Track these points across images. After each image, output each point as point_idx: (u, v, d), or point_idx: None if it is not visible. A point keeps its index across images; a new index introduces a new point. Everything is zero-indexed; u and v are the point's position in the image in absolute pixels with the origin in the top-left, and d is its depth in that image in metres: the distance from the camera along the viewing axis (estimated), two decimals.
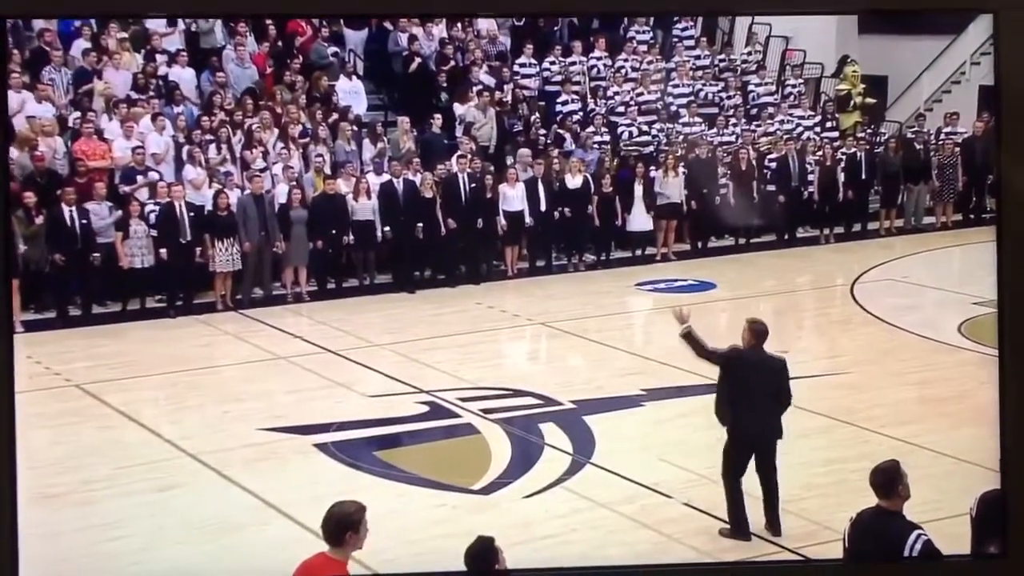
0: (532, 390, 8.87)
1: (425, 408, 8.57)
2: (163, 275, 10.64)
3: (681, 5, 6.45)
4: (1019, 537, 5.00)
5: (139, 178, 10.94)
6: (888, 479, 5.00)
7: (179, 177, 11.04)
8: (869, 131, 13.78)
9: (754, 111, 13.55)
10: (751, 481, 6.62)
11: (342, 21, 12.33)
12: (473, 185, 11.75)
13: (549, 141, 12.63)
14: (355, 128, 12.03)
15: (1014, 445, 5.04)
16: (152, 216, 10.68)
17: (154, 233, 10.61)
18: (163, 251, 10.54)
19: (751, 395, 6.48)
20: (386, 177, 11.59)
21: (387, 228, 11.37)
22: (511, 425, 8.24)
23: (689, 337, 6.52)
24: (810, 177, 12.96)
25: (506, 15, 11.96)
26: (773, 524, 6.63)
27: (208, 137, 11.38)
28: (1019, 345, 5.04)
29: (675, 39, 13.85)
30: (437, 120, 12.22)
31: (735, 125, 13.23)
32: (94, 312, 10.51)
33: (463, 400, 8.68)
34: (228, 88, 11.98)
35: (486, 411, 8.48)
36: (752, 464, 6.58)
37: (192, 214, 10.68)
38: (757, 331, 6.52)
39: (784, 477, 6.65)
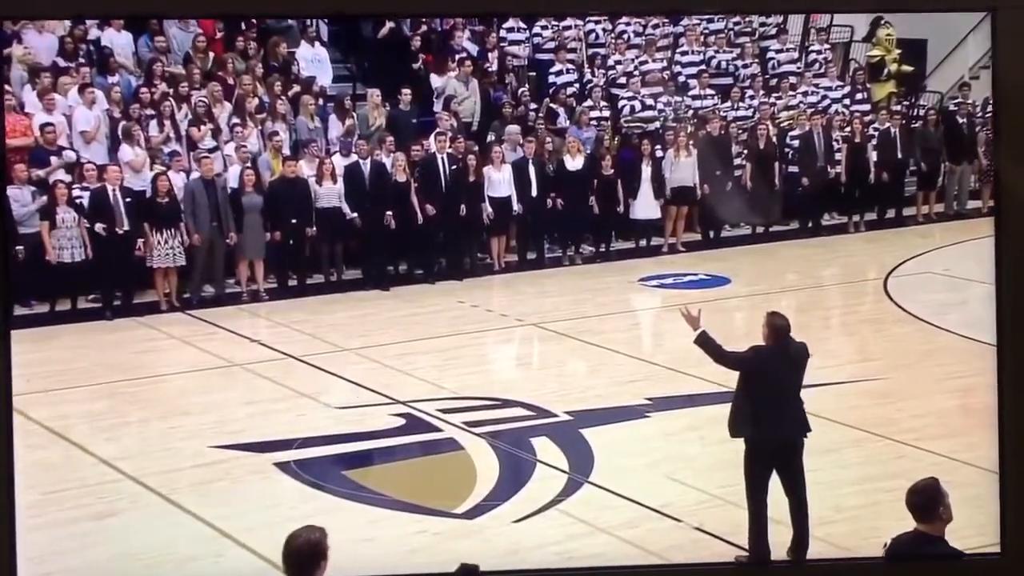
0: (522, 400, 8.89)
1: (401, 421, 8.56)
2: (97, 271, 10.58)
3: (690, 3, 6.80)
4: (1016, 535, 5.35)
5: (53, 159, 10.84)
6: (927, 500, 5.01)
7: (114, 158, 10.98)
8: (906, 103, 13.82)
9: (774, 81, 13.58)
10: (778, 507, 6.63)
11: None
12: (454, 167, 11.74)
13: (540, 117, 12.63)
14: (319, 102, 12.00)
15: (1012, 443, 5.50)
16: (82, 202, 10.62)
17: (86, 223, 10.55)
18: (100, 233, 10.41)
19: (779, 394, 6.50)
20: (353, 158, 11.57)
21: (355, 215, 11.34)
22: (499, 440, 8.24)
23: (705, 341, 6.53)
24: (838, 156, 13.00)
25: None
26: (799, 549, 6.64)
27: (148, 112, 11.33)
28: (1019, 344, 5.52)
29: None
30: (407, 94, 12.13)
31: (752, 98, 13.26)
32: (17, 313, 10.43)
33: (444, 412, 8.68)
34: (171, 55, 11.92)
35: (470, 424, 8.48)
36: (777, 480, 6.58)
37: (129, 200, 10.61)
38: (777, 327, 6.52)
39: (809, 498, 6.64)
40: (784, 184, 12.85)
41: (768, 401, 6.48)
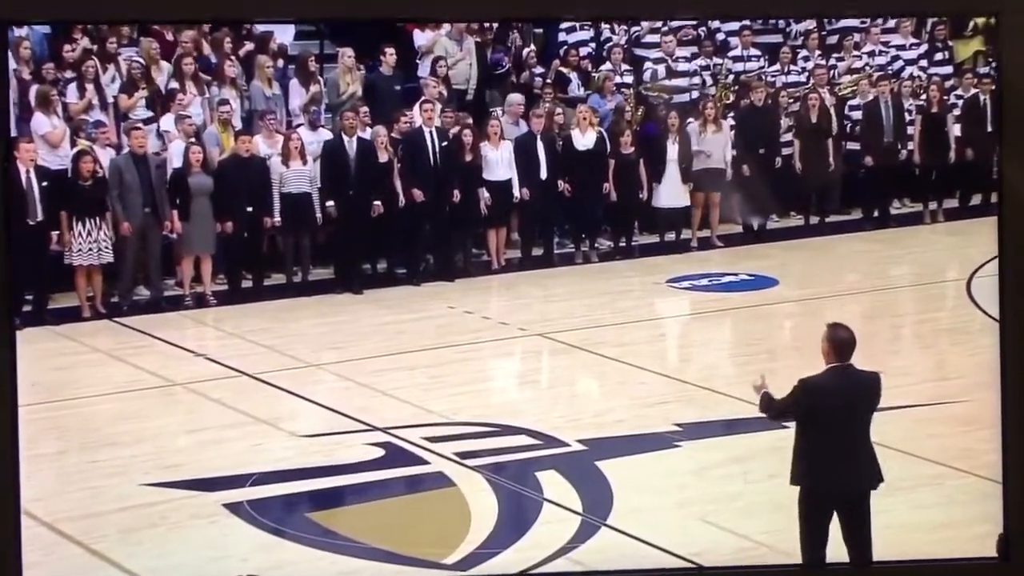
0: (526, 426, 8.90)
1: (379, 452, 8.59)
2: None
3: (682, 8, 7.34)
4: (1020, 539, 5.89)
5: None
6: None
7: (25, 129, 10.94)
8: (996, 64, 13.76)
9: (833, 39, 13.56)
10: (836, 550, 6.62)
11: None
12: (444, 144, 11.75)
13: (549, 83, 12.62)
14: (278, 64, 12.00)
15: (1015, 444, 6.04)
16: None
17: None
18: None
19: (840, 435, 6.47)
20: (327, 134, 11.55)
21: (331, 203, 11.35)
22: (498, 474, 8.26)
23: (769, 406, 6.58)
24: (910, 130, 12.99)
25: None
26: None
27: (68, 74, 11.32)
28: (1020, 345, 6.07)
29: None
30: (392, 54, 12.15)
31: (806, 59, 13.25)
32: None
33: (432, 440, 8.70)
34: None
35: (463, 455, 8.51)
36: (837, 525, 6.60)
37: (45, 183, 10.59)
38: (840, 341, 6.49)
39: (876, 544, 6.64)
40: (843, 165, 12.83)
41: (825, 444, 6.45)
